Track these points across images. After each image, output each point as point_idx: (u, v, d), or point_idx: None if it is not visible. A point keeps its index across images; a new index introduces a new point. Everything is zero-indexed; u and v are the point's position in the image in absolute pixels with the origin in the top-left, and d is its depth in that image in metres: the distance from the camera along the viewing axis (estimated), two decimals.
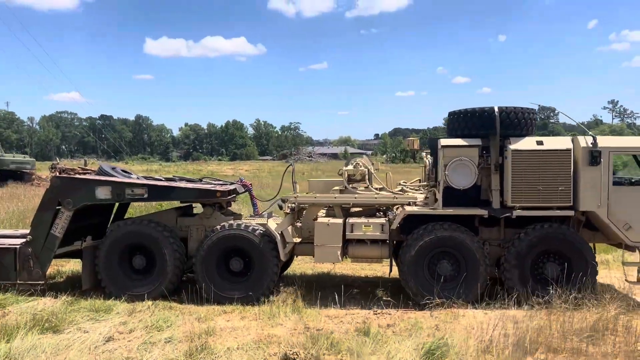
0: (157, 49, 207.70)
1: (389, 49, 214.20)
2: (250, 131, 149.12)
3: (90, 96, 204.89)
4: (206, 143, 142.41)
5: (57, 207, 7.92)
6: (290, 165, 9.08)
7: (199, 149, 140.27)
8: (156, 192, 7.97)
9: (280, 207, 8.46)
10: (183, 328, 6.67)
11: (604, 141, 7.29)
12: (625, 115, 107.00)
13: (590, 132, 7.38)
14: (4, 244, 8.01)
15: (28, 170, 35.54)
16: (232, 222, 8.02)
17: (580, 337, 5.60)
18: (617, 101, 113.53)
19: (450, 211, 7.57)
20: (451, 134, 8.06)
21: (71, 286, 8.39)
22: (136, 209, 14.22)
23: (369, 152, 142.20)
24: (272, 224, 7.99)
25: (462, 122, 7.80)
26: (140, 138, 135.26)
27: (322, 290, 8.45)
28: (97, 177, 8.05)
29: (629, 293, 7.99)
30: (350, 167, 8.35)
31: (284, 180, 8.88)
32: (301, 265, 10.46)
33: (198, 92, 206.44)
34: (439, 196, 7.65)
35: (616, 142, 7.49)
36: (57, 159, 53.78)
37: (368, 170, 8.33)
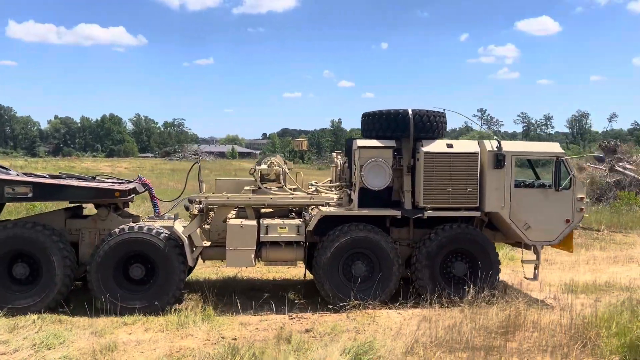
0: (22, 32, 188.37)
1: (277, 49, 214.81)
2: (130, 126, 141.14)
3: None
4: (79, 138, 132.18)
5: None
6: (196, 162, 8.51)
7: (70, 144, 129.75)
8: (43, 191, 6.99)
9: (187, 208, 7.87)
10: (78, 344, 5.90)
11: (508, 145, 7.74)
12: (492, 123, 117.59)
13: (495, 137, 7.78)
14: None
15: None
16: (132, 224, 7.29)
17: (495, 334, 5.82)
18: (485, 109, 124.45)
19: (366, 212, 7.56)
20: (365, 135, 8.07)
21: None
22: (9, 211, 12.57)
23: (258, 152, 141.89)
24: (179, 227, 7.40)
25: (377, 124, 7.83)
26: (1, 130, 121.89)
27: (231, 295, 8.02)
28: None
29: (522, 289, 8.59)
30: (264, 166, 8.00)
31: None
32: (203, 270, 9.88)
33: (70, 83, 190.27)
34: (355, 197, 7.60)
35: (518, 146, 8.00)
36: None
37: (282, 169, 8.04)
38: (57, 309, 7.02)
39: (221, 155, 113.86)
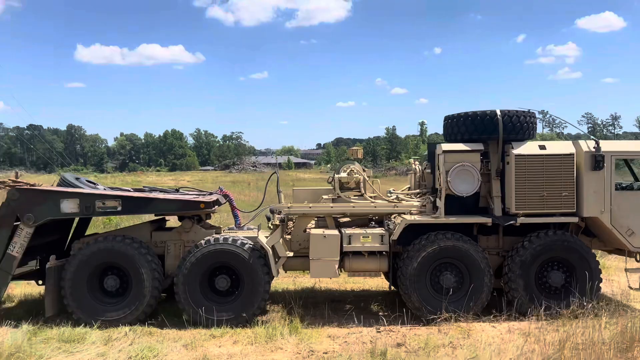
0: (90, 55, 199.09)
1: (329, 60, 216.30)
2: (191, 141, 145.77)
3: (18, 105, 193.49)
4: (143, 153, 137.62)
5: (16, 223, 6.91)
6: (275, 173, 8.46)
7: (135, 159, 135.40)
8: (132, 205, 7.12)
9: (269, 219, 7.81)
10: (172, 357, 5.91)
11: (607, 145, 7.20)
12: (554, 125, 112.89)
13: (592, 137, 7.27)
14: None
15: None
16: (217, 236, 7.30)
17: (615, 350, 5.34)
18: (547, 111, 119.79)
19: (453, 219, 7.22)
20: (449, 139, 7.75)
21: (27, 313, 7.36)
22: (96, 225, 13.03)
23: (313, 162, 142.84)
24: (262, 237, 7.34)
25: (462, 126, 7.50)
26: (72, 149, 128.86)
27: (314, 307, 7.89)
28: (62, 189, 7.09)
29: (624, 300, 7.95)
30: (343, 174, 7.83)
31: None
32: (280, 280, 9.81)
33: (134, 101, 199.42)
34: (440, 204, 7.28)
35: (618, 146, 7.43)
36: None
37: (362, 177, 7.85)
38: (145, 321, 7.10)
39: (276, 166, 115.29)
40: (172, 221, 8.67)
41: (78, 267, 6.94)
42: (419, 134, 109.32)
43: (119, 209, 7.07)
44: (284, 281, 9.78)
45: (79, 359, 5.70)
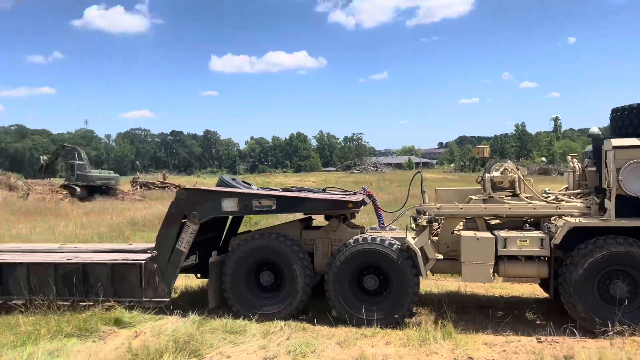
0: (222, 65, 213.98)
1: (452, 56, 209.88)
2: (314, 143, 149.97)
3: (161, 113, 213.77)
4: (271, 156, 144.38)
5: (183, 221, 7.54)
6: (418, 172, 8.30)
7: (264, 161, 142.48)
8: (285, 204, 7.41)
9: (415, 219, 7.67)
10: (328, 354, 6.01)
11: None
12: None
13: None
14: (127, 259, 7.71)
15: (112, 186, 36.82)
16: (365, 235, 7.33)
17: None
18: None
19: (627, 222, 6.51)
20: (619, 134, 7.00)
21: (189, 304, 7.96)
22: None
23: (434, 161, 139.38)
24: (410, 239, 7.22)
25: (635, 119, 6.74)
26: (209, 152, 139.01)
27: (463, 312, 7.59)
28: (224, 189, 7.58)
29: None
30: (496, 173, 7.44)
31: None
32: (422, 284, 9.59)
33: (262, 107, 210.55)
34: (610, 205, 6.60)
35: None
36: (138, 173, 55.98)
37: (517, 176, 7.39)
38: (298, 316, 7.33)
39: (398, 166, 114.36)
40: (317, 220, 8.91)
41: (237, 263, 7.38)
42: (552, 130, 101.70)
43: (274, 207, 7.39)
44: (425, 284, 9.56)
45: (244, 350, 6.03)
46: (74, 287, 7.51)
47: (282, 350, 6.07)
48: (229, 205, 7.42)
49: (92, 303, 7.58)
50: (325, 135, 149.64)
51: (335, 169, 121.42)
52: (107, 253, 8.41)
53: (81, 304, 7.60)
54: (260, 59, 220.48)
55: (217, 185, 8.12)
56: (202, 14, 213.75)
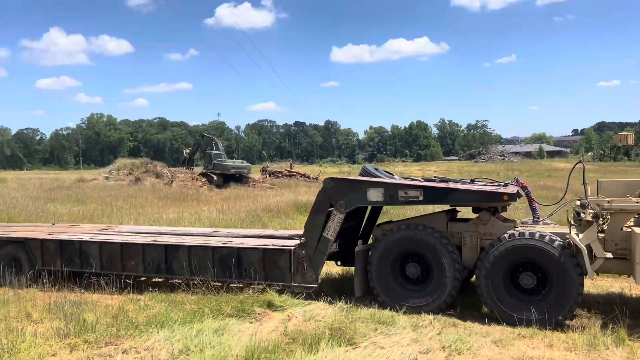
0: (343, 56, 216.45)
1: (588, 36, 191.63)
2: (434, 131, 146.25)
3: (284, 105, 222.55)
4: (390, 145, 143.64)
5: (329, 209, 7.66)
6: (580, 162, 7.59)
7: (382, 150, 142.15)
8: (433, 195, 7.20)
9: (578, 214, 7.03)
10: (485, 353, 5.73)
11: None
12: None
13: None
14: (277, 245, 8.02)
15: (245, 174, 39.02)
16: (521, 230, 6.87)
17: None
18: None
19: None
20: None
21: (332, 290, 8.05)
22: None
23: (568, 150, 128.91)
24: (574, 235, 6.63)
25: None
26: (329, 142, 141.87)
27: (635, 316, 6.83)
28: (370, 179, 7.57)
29: None
30: None
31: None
32: None
33: (382, 95, 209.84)
34: None
35: None
36: (267, 162, 58.77)
37: None
38: (445, 311, 7.12)
39: (527, 155, 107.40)
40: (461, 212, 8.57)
41: (383, 253, 7.33)
42: None
43: (420, 198, 7.22)
44: None
45: (396, 342, 5.96)
46: (230, 270, 7.98)
47: (436, 345, 5.91)
48: (374, 195, 7.39)
49: (244, 285, 8.03)
50: (447, 123, 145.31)
51: (457, 158, 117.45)
52: (257, 238, 8.84)
53: (235, 285, 8.08)
54: (380, 47, 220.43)
55: (361, 174, 8.11)
56: (323, 6, 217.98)
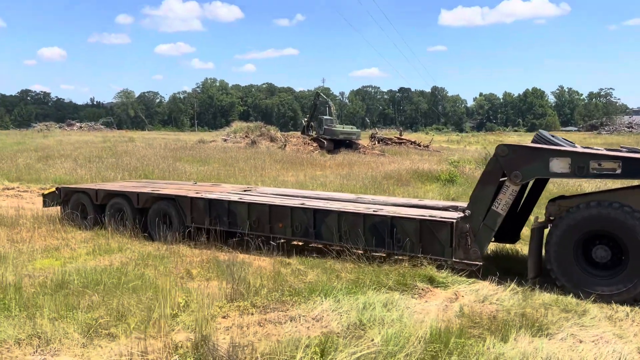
0: (452, 19, 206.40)
1: None
2: (552, 99, 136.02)
3: (389, 71, 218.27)
4: (501, 113, 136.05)
5: (501, 180, 6.88)
6: None
7: (492, 119, 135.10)
8: (635, 168, 6.15)
9: None
10: None
11: None
12: None
13: None
14: (435, 216, 7.41)
15: (354, 140, 38.63)
16: None
17: None
18: None
19: None
20: None
21: (486, 268, 7.30)
22: None
23: None
24: None
25: None
26: (435, 109, 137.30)
27: None
28: (554, 147, 6.65)
29: None
30: None
31: None
32: None
33: (494, 61, 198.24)
34: None
35: None
36: (376, 129, 58.01)
37: None
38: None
39: None
40: None
41: (565, 232, 6.45)
42: None
43: (618, 171, 6.20)
44: None
45: (597, 336, 5.13)
46: (382, 239, 7.54)
47: None
48: (559, 165, 6.47)
49: (397, 256, 7.56)
50: (566, 90, 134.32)
51: (576, 128, 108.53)
52: (408, 207, 8.30)
53: (386, 256, 7.64)
54: (493, 9, 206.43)
55: (534, 141, 7.19)
56: None
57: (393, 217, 7.57)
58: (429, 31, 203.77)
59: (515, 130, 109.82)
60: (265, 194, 9.75)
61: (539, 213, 10.81)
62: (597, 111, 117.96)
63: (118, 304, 5.50)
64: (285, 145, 36.27)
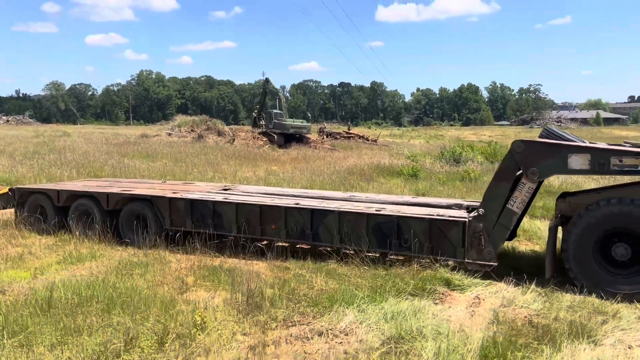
0: (388, 15, 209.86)
1: None
2: (485, 94, 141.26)
3: (329, 65, 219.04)
4: (437, 108, 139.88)
5: (518, 177, 6.63)
6: None
7: (429, 114, 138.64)
8: None
9: None
10: None
11: None
12: None
13: None
14: (443, 215, 7.08)
15: (304, 134, 38.10)
16: None
17: None
18: None
19: None
20: None
21: (508, 268, 7.06)
22: None
23: (624, 117, 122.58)
24: None
25: None
26: (374, 104, 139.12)
27: None
28: (573, 143, 6.46)
29: None
30: None
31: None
32: None
33: (429, 56, 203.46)
34: None
35: None
36: (325, 123, 57.65)
37: None
38: None
39: (583, 122, 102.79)
40: None
41: (585, 230, 6.29)
42: None
43: (639, 168, 6.10)
44: None
45: (635, 338, 4.98)
46: (387, 240, 7.13)
47: None
48: (578, 162, 6.30)
49: (404, 258, 7.19)
50: (499, 86, 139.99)
51: (508, 123, 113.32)
52: (410, 206, 7.93)
53: (395, 257, 7.25)
54: (428, 6, 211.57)
55: (541, 137, 7.01)
56: None
57: (400, 217, 7.17)
58: (368, 26, 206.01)
59: (452, 125, 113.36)
60: (250, 193, 9.10)
61: (536, 210, 10.87)
62: (528, 106, 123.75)
63: (123, 324, 4.76)
64: (234, 140, 35.20)
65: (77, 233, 8.57)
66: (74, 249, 7.98)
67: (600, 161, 6.21)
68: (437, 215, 7.13)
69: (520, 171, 6.64)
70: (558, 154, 6.38)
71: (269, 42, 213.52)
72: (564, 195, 7.20)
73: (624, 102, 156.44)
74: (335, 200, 8.45)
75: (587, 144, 6.42)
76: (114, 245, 8.42)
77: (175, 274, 6.89)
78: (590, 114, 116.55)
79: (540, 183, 7.97)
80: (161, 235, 8.42)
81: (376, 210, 7.43)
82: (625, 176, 6.52)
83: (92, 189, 9.10)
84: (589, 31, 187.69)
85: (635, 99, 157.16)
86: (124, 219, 8.72)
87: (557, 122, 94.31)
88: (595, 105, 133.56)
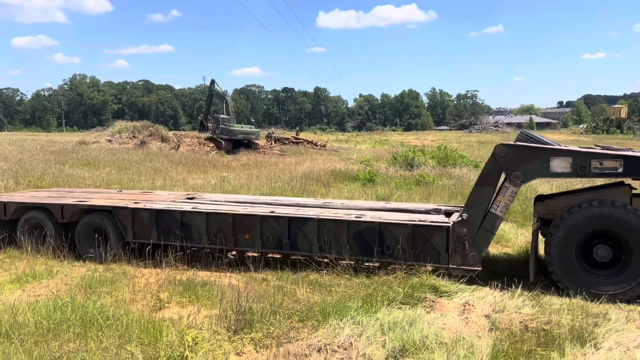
0: (329, 21, 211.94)
1: (575, 7, 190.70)
2: (425, 100, 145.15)
3: (270, 70, 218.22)
4: (379, 113, 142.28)
5: (501, 181, 6.61)
6: None
7: (372, 119, 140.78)
8: (636, 166, 6.19)
9: None
10: None
11: None
12: None
13: None
14: (425, 221, 6.96)
15: (253, 140, 37.51)
16: None
17: None
18: None
19: None
20: None
21: (487, 272, 7.03)
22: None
23: (555, 122, 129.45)
24: None
25: None
26: (318, 109, 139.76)
27: None
28: (555, 147, 6.50)
29: None
30: None
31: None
32: None
33: (370, 63, 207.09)
34: None
35: None
36: (273, 128, 57.03)
37: None
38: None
39: (518, 126, 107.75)
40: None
41: (568, 233, 6.33)
42: None
43: (619, 170, 6.21)
44: None
45: (635, 341, 5.01)
46: (369, 248, 6.93)
47: None
48: (559, 165, 6.35)
49: (384, 265, 7.01)
50: (438, 92, 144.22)
51: (448, 127, 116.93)
52: (388, 212, 7.77)
53: (374, 265, 7.06)
54: (368, 13, 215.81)
55: (519, 140, 7.04)
56: None
57: (382, 223, 6.98)
58: (311, 32, 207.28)
59: (394, 130, 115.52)
60: (218, 202, 8.66)
61: (516, 213, 10.95)
62: (466, 111, 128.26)
63: (105, 349, 4.26)
64: (178, 146, 34.10)
65: (29, 249, 7.82)
66: (26, 265, 7.27)
67: (581, 164, 6.28)
68: (419, 220, 7.01)
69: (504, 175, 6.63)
70: (540, 157, 6.40)
71: (208, 47, 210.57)
72: (541, 198, 7.27)
73: (554, 107, 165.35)
74: (310, 207, 8.18)
75: (569, 148, 6.49)
76: (71, 260, 7.77)
77: (145, 289, 6.37)
78: (524, 118, 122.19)
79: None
80: (123, 248, 7.84)
81: (356, 217, 7.22)
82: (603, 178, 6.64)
83: (44, 200, 8.36)
84: (519, 39, 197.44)
85: (564, 104, 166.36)
86: (80, 232, 8.06)
87: (495, 126, 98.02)
88: (528, 110, 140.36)
